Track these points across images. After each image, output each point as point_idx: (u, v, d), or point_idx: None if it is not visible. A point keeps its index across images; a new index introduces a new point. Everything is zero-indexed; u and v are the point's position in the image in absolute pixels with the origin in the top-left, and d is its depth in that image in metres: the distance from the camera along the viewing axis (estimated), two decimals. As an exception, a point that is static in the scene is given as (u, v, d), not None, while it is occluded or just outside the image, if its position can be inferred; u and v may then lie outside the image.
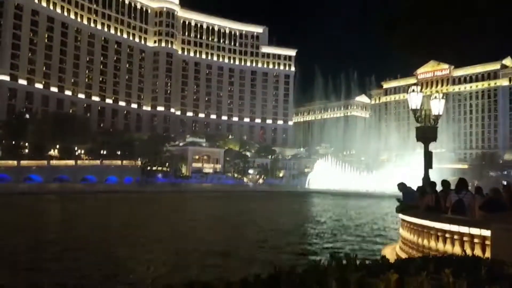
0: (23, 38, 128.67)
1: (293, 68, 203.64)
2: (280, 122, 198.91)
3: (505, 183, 12.23)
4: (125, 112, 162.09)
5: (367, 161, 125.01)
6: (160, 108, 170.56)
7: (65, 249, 20.89)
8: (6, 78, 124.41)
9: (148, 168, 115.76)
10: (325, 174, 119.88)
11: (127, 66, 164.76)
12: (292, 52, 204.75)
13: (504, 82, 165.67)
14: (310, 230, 30.94)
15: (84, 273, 15.78)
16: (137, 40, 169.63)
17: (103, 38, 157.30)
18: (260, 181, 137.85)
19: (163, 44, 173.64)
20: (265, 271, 4.08)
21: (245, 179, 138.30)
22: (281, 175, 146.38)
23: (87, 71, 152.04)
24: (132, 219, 35.63)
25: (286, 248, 22.01)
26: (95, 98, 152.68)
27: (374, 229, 31.62)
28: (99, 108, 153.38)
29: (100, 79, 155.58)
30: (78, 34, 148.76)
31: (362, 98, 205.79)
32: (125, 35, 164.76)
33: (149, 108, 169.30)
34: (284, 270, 4.52)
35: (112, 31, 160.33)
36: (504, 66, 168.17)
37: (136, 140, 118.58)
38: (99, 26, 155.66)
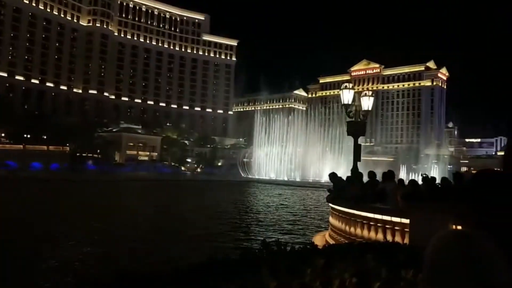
0: None
1: (234, 58, 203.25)
2: (220, 111, 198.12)
3: (424, 175, 13.33)
4: (53, 94, 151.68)
5: (305, 152, 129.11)
6: (93, 92, 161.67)
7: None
8: None
9: (78, 154, 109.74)
10: (264, 164, 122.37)
11: (57, 45, 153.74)
12: (233, 42, 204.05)
13: (427, 83, 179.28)
14: (248, 220, 31.39)
15: None
16: (69, 18, 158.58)
17: (30, 14, 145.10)
18: (198, 170, 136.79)
19: (97, 24, 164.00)
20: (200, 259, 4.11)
21: (182, 168, 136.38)
22: (219, 164, 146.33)
23: (10, 48, 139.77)
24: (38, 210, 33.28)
25: (222, 238, 22.16)
26: (19, 78, 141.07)
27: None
28: (23, 88, 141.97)
29: (26, 57, 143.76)
30: (2, 8, 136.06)
31: (300, 92, 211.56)
32: (55, 12, 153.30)
33: (80, 91, 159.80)
34: (216, 259, 4.58)
35: (41, 7, 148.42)
36: (428, 68, 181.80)
37: (65, 125, 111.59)
38: (26, 1, 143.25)
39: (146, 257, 16.31)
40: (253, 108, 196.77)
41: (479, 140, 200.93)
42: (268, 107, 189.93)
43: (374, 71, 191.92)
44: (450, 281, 1.10)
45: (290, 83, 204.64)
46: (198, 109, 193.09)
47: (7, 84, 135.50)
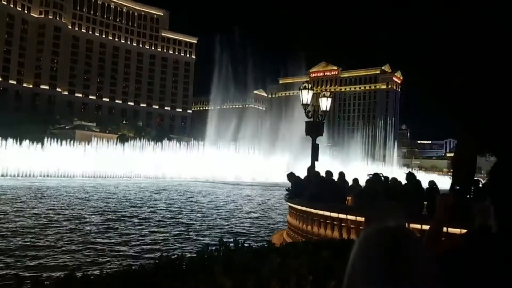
0: None
1: (194, 56, 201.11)
2: (179, 110, 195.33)
3: (376, 174, 13.75)
4: (1, 88, 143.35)
5: (261, 151, 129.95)
6: (44, 87, 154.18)
7: None
8: None
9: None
10: (219, 164, 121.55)
11: (6, 36, 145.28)
12: (193, 40, 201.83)
13: (382, 86, 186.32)
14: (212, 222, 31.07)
15: None
16: (19, 8, 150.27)
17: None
18: None
19: (50, 16, 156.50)
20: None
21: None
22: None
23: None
24: None
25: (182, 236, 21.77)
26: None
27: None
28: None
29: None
30: None
31: (260, 92, 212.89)
32: (4, 2, 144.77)
33: (30, 86, 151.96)
34: (170, 258, 4.46)
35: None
36: (383, 72, 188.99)
37: (13, 121, 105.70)
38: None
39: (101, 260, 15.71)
40: (212, 107, 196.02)
41: (430, 142, 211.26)
42: (227, 107, 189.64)
43: (332, 73, 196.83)
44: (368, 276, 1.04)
45: (250, 83, 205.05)
46: (156, 107, 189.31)
47: None
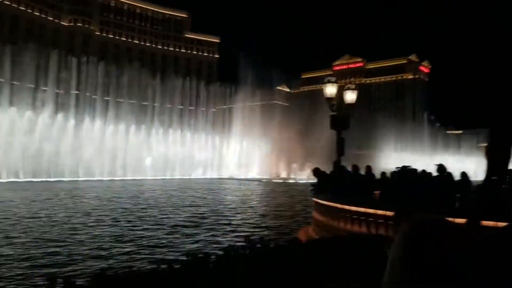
0: None
1: (217, 55, 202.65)
2: (202, 108, 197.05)
3: (404, 167, 13.43)
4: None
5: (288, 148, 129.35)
6: (74, 91, 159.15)
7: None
8: None
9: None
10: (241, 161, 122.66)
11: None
12: (216, 39, 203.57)
13: (409, 76, 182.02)
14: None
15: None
16: (50, 18, 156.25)
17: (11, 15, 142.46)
18: None
19: (79, 24, 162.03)
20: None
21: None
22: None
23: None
24: None
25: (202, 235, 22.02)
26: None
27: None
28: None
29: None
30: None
31: (284, 88, 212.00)
32: (36, 12, 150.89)
33: (62, 91, 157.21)
34: (197, 257, 4.49)
35: (22, 7, 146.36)
36: (410, 61, 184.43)
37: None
38: (6, 1, 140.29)
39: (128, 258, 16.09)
40: (236, 105, 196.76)
41: (461, 131, 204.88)
42: (250, 104, 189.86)
43: (357, 65, 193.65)
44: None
45: (273, 79, 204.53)
46: (181, 106, 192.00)
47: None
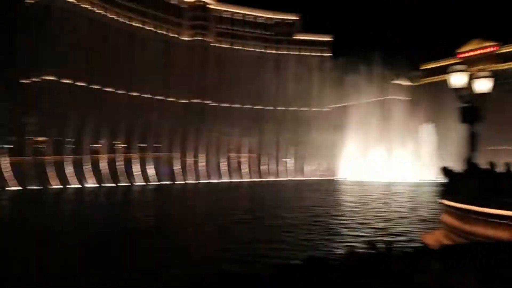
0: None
1: (329, 54, 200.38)
2: (315, 109, 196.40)
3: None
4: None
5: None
6: (197, 100, 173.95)
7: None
8: None
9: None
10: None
11: (164, 60, 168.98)
12: (327, 38, 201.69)
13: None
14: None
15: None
16: (172, 35, 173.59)
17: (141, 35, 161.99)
18: None
19: (198, 37, 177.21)
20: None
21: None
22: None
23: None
24: None
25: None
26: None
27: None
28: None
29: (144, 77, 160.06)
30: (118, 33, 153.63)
31: (401, 81, 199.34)
32: (161, 31, 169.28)
33: (186, 101, 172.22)
34: (315, 260, 4.37)
35: (149, 27, 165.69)
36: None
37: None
38: (137, 24, 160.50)
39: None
40: (350, 103, 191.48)
41: None
42: (366, 100, 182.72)
43: (489, 50, 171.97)
44: None
45: (389, 73, 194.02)
46: (294, 108, 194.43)
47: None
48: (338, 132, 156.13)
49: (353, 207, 37.12)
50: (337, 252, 15.64)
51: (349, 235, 22.79)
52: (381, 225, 26.33)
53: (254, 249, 18.69)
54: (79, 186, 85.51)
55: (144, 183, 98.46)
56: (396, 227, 25.12)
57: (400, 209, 36.35)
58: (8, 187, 75.04)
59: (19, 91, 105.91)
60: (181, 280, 13.83)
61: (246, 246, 19.36)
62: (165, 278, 14.22)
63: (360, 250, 4.64)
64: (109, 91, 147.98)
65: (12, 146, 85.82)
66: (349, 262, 4.05)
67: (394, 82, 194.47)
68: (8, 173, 76.87)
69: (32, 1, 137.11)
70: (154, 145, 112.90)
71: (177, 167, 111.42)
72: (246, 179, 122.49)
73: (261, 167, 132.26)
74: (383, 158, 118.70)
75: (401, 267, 3.55)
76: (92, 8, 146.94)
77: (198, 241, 22.05)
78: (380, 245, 4.40)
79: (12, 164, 78.50)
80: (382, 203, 41.91)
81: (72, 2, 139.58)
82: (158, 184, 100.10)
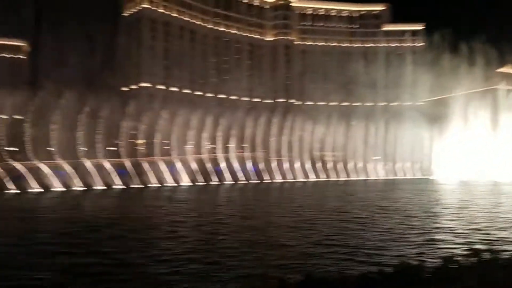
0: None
1: (421, 43, 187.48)
2: (407, 103, 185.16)
3: None
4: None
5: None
6: (282, 100, 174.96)
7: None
8: None
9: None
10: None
11: (249, 61, 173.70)
12: (419, 27, 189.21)
13: None
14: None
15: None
16: (255, 36, 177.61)
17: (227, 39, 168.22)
18: None
19: (281, 37, 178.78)
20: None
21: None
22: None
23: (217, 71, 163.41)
24: None
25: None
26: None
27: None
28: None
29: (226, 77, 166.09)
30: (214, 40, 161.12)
31: (509, 69, 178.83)
32: (245, 33, 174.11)
33: (271, 101, 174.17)
34: (404, 266, 3.68)
35: (234, 31, 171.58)
36: None
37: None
38: (222, 28, 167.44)
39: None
40: (447, 95, 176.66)
41: None
42: (467, 92, 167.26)
43: None
44: None
45: (494, 61, 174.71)
46: (384, 103, 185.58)
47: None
48: (433, 127, 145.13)
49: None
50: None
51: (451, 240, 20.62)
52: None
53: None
54: (175, 184, 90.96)
55: (233, 182, 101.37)
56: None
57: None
58: (114, 185, 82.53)
59: (120, 98, 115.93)
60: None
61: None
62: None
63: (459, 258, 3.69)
64: (198, 94, 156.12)
65: (115, 148, 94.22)
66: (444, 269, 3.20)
67: (499, 71, 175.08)
68: (113, 173, 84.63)
69: (127, 14, 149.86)
70: (241, 145, 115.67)
71: (261, 166, 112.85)
72: (333, 178, 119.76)
73: (348, 165, 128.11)
74: (489, 155, 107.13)
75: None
76: (180, 16, 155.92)
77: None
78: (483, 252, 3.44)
79: (115, 165, 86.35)
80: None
81: (161, 12, 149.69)
82: (246, 182, 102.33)
